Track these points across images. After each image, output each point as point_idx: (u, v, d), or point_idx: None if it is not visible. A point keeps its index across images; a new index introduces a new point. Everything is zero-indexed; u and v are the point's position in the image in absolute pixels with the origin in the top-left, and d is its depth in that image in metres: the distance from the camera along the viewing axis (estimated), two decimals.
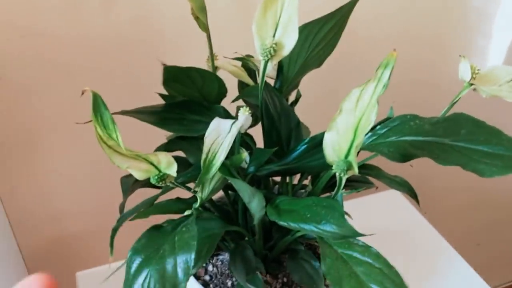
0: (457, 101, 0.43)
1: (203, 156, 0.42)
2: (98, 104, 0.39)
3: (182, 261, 0.39)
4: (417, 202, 0.52)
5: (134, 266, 0.41)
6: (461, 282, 0.77)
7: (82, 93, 0.39)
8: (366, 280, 0.37)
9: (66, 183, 0.83)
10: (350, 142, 0.36)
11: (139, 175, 0.43)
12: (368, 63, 0.92)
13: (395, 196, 0.93)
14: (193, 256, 0.39)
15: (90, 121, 0.44)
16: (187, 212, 0.47)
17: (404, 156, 0.41)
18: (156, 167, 0.43)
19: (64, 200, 0.85)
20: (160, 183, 0.44)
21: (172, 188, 0.48)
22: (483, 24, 0.98)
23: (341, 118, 0.36)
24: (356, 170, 0.36)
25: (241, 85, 0.59)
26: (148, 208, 0.51)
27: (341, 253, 0.40)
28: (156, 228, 0.45)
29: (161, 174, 0.43)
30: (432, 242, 0.84)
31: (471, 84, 0.42)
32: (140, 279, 0.40)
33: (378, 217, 0.87)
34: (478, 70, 0.41)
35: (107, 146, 0.40)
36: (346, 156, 0.37)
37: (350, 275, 0.37)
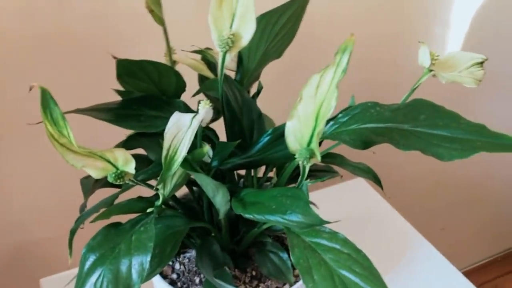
0: (416, 87, 0.44)
1: (164, 152, 0.41)
2: (47, 100, 0.37)
3: (138, 262, 0.38)
4: (381, 187, 0.53)
5: (88, 264, 0.40)
6: (429, 266, 0.78)
7: (30, 89, 0.37)
8: (335, 266, 0.37)
9: (24, 188, 0.80)
10: (312, 129, 0.36)
11: (96, 174, 0.41)
12: (326, 50, 0.92)
13: (361, 185, 0.94)
14: (149, 258, 0.38)
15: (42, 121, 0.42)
16: (149, 210, 0.46)
17: (365, 143, 0.41)
18: (113, 165, 0.42)
19: (24, 205, 0.81)
20: (118, 181, 0.42)
21: (132, 186, 0.47)
22: (441, 12, 1.00)
23: (302, 105, 0.35)
24: (318, 158, 0.35)
25: (201, 78, 0.58)
26: (108, 208, 0.49)
27: (309, 241, 0.39)
28: (113, 225, 0.43)
29: (118, 171, 0.42)
30: (398, 228, 0.85)
31: (431, 70, 0.42)
32: (93, 278, 0.39)
33: (344, 206, 0.88)
34: (437, 56, 0.42)
35: (59, 144, 0.38)
36: (309, 143, 0.36)
37: (319, 263, 0.37)
